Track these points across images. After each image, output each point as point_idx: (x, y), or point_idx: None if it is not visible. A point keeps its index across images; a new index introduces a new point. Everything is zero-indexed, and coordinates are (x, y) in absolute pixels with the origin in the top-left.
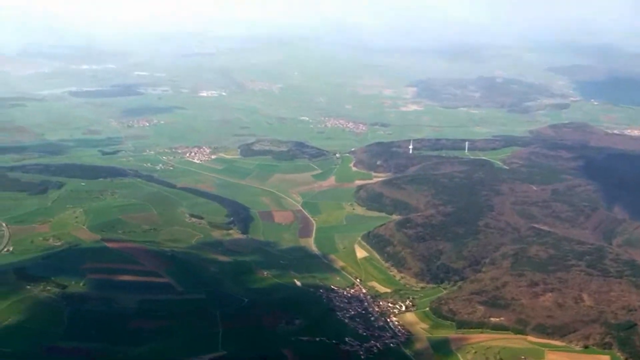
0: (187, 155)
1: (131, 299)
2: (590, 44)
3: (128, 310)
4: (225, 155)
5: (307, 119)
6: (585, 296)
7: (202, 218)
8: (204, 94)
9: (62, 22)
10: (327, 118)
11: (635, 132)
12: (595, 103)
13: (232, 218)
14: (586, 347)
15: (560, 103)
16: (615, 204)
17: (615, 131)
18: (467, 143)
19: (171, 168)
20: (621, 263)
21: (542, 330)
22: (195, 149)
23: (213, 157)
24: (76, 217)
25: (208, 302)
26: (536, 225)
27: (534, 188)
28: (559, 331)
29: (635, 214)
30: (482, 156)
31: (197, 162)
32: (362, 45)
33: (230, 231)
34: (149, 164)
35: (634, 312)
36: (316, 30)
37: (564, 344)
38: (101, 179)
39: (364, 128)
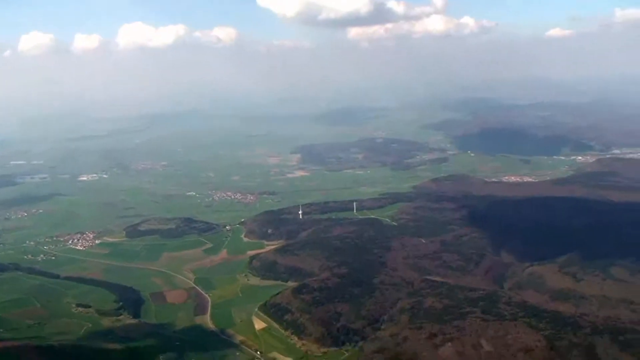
0: (70, 242)
1: None
2: (462, 98)
3: None
4: (110, 239)
5: (194, 193)
6: (484, 342)
7: (89, 307)
8: (85, 178)
9: None
10: (214, 191)
11: (512, 179)
12: (472, 155)
13: (121, 303)
14: None
15: (439, 157)
16: (501, 249)
17: (494, 179)
18: (355, 203)
19: (53, 258)
20: (514, 305)
21: None
22: (78, 235)
23: (97, 242)
24: None
25: None
26: (429, 277)
27: (423, 241)
28: None
29: (521, 256)
30: (371, 215)
31: (81, 248)
32: (242, 115)
33: (121, 317)
34: (29, 256)
35: (532, 352)
36: (196, 104)
37: None
38: None
39: (252, 198)
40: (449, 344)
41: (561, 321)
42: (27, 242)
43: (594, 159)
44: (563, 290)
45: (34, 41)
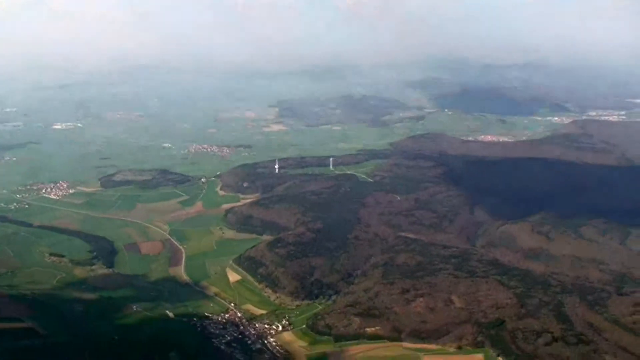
0: (43, 191)
1: None
2: (442, 59)
3: None
4: (84, 189)
5: (170, 145)
6: (455, 298)
7: (62, 256)
8: (59, 126)
9: None
10: (190, 144)
11: (489, 138)
12: (449, 113)
13: (95, 253)
14: (460, 347)
15: (416, 115)
16: (475, 207)
17: (470, 138)
18: (331, 159)
19: (27, 206)
20: (486, 263)
21: (417, 335)
22: (52, 185)
23: (71, 191)
24: None
25: (76, 344)
26: (403, 234)
27: (398, 198)
28: (433, 335)
29: (495, 215)
30: (347, 171)
31: (55, 198)
32: (219, 70)
33: (94, 267)
34: (1, 204)
35: (502, 309)
36: (171, 57)
37: (438, 347)
38: None
39: (228, 151)
40: (421, 299)
41: (532, 279)
42: (0, 189)
43: (569, 121)
44: (535, 249)
45: None
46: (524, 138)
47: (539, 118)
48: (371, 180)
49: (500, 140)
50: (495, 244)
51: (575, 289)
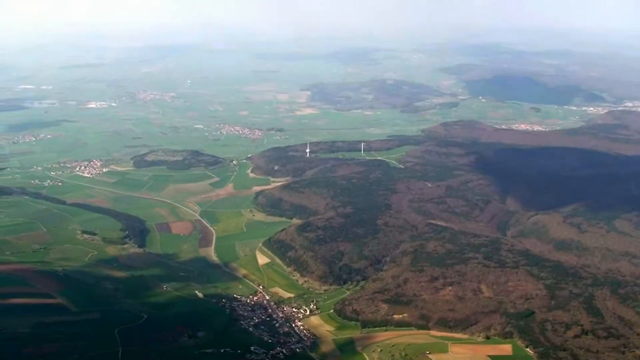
0: (77, 169)
1: (23, 323)
2: (475, 44)
3: (20, 335)
4: (117, 168)
5: (202, 127)
6: (484, 288)
7: (95, 234)
8: (93, 105)
9: None
10: (222, 125)
11: (522, 127)
12: (483, 100)
13: (127, 232)
14: (488, 337)
15: (449, 102)
16: (507, 196)
17: (503, 126)
18: (362, 144)
19: (60, 184)
20: (516, 253)
21: (445, 324)
22: (85, 163)
23: (104, 170)
24: None
25: (105, 321)
26: (433, 221)
27: (429, 185)
28: (461, 324)
29: (526, 205)
30: (378, 156)
31: (88, 176)
32: (254, 51)
33: (126, 246)
34: (36, 181)
35: (532, 300)
36: (206, 37)
37: (466, 336)
38: None
39: (260, 134)
40: (450, 287)
41: (562, 271)
42: (34, 167)
43: (605, 111)
44: (566, 240)
45: None
46: (557, 127)
47: (573, 107)
48: (402, 166)
49: (534, 129)
50: (526, 234)
51: (606, 281)
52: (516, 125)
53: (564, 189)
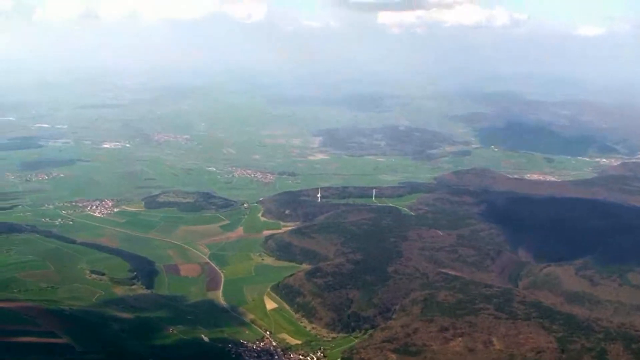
0: (88, 208)
1: None
2: (488, 92)
3: None
4: (128, 208)
5: (215, 169)
6: (494, 340)
7: (103, 274)
8: (107, 145)
9: None
10: (234, 168)
11: (535, 177)
12: (496, 149)
13: (135, 273)
14: None
15: (461, 150)
16: (519, 247)
17: (516, 176)
18: (374, 190)
19: (71, 222)
20: (528, 305)
21: None
22: (97, 202)
23: (115, 210)
24: None
25: None
26: (444, 270)
27: (440, 233)
28: None
29: (538, 256)
30: (389, 203)
31: (99, 215)
32: (269, 94)
33: (134, 287)
34: (47, 219)
35: (543, 353)
36: (221, 78)
37: None
38: None
39: (272, 177)
40: (460, 338)
41: (574, 324)
42: (46, 205)
43: (618, 162)
44: (578, 293)
45: (62, 5)
46: (570, 178)
47: (587, 158)
48: (413, 213)
49: (547, 179)
50: (538, 286)
51: (619, 336)
52: (529, 175)
53: (576, 240)
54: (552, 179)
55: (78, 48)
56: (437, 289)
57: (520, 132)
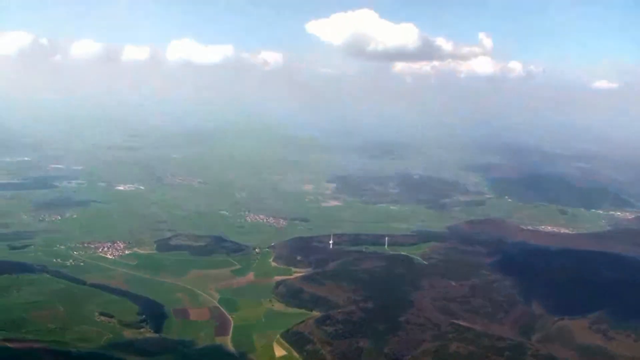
0: (100, 250)
1: None
2: (502, 142)
3: None
4: (140, 251)
5: (227, 213)
6: None
7: (112, 316)
8: (122, 187)
9: None
10: (247, 212)
11: (549, 228)
12: (509, 200)
13: (144, 316)
14: None
15: (475, 199)
16: (532, 298)
17: (530, 227)
18: (387, 238)
19: (82, 264)
20: (541, 359)
21: None
22: (109, 244)
23: (127, 252)
24: None
25: None
26: (456, 321)
27: (453, 283)
28: None
29: (552, 309)
30: (402, 251)
31: (110, 257)
32: (282, 139)
33: (142, 330)
34: (58, 260)
35: None
36: (236, 123)
37: None
38: (6, 275)
39: (284, 223)
40: None
41: None
42: (58, 245)
43: (633, 216)
44: (592, 347)
45: (85, 48)
46: (584, 231)
47: (601, 211)
48: (426, 262)
49: (561, 231)
50: (551, 339)
51: None
52: (543, 227)
53: (590, 293)
54: (566, 231)
55: (98, 89)
56: (449, 340)
57: (535, 183)
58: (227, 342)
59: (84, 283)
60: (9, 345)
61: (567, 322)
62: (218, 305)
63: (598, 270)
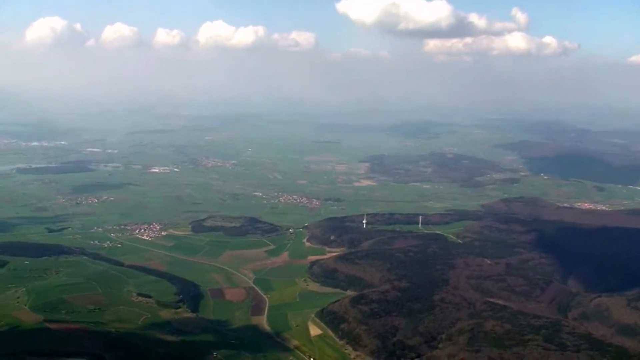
0: (137, 232)
1: None
2: (537, 121)
3: None
4: (175, 232)
5: (261, 194)
6: None
7: (149, 297)
8: (156, 170)
9: (14, 98)
10: (280, 194)
11: (585, 206)
12: (545, 177)
13: (181, 296)
14: None
15: (510, 178)
16: (569, 277)
17: (566, 205)
18: (420, 217)
19: (119, 245)
20: (578, 337)
21: None
22: (145, 226)
23: (163, 233)
24: (18, 298)
25: None
26: (491, 300)
27: (488, 262)
28: None
29: (589, 286)
30: (436, 230)
31: (147, 239)
32: (317, 123)
33: (179, 310)
34: (96, 242)
35: None
36: (268, 106)
37: None
38: (46, 258)
39: (317, 203)
40: None
41: (626, 357)
42: (95, 228)
43: None
44: (630, 325)
45: (117, 32)
46: (622, 207)
47: (638, 188)
48: (460, 241)
49: (598, 208)
50: (588, 317)
51: None
52: (579, 204)
53: (628, 271)
54: (603, 208)
55: (131, 75)
56: (484, 318)
57: (570, 160)
58: (263, 322)
59: (122, 264)
60: (49, 326)
61: (605, 299)
62: (253, 285)
63: (636, 247)
